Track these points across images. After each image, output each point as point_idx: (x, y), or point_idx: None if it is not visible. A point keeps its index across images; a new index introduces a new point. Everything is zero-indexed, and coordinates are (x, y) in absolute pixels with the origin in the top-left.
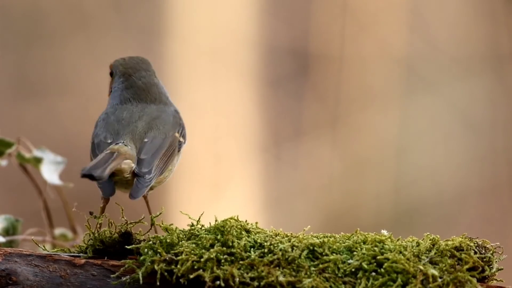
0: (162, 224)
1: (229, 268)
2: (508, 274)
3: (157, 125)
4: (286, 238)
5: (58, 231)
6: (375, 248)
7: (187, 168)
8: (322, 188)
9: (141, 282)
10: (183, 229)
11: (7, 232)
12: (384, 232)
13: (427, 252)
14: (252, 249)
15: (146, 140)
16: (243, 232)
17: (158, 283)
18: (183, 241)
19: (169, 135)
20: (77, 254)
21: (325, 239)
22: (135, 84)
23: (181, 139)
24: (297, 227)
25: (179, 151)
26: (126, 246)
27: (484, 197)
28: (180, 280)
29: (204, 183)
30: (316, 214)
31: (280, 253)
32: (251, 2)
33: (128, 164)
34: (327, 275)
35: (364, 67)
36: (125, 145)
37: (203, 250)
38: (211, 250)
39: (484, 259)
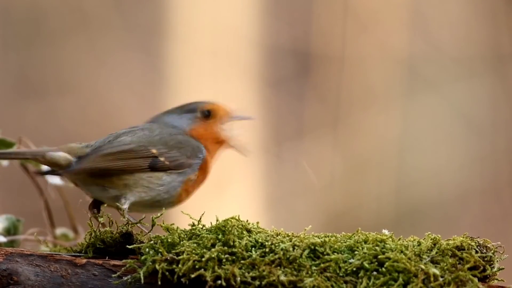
0: (164, 224)
1: (230, 267)
2: (510, 274)
3: (134, 133)
4: (287, 237)
5: (59, 231)
6: (376, 248)
7: None
8: (323, 188)
9: (142, 281)
10: (184, 229)
11: (8, 232)
12: (385, 231)
13: (428, 251)
14: (253, 248)
15: (108, 143)
16: (244, 232)
17: (159, 283)
18: (184, 241)
19: (136, 144)
20: (78, 254)
21: (326, 239)
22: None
23: (163, 160)
24: (298, 226)
25: (153, 170)
26: (127, 246)
27: (486, 197)
28: (182, 279)
29: (206, 182)
30: (317, 214)
31: (281, 253)
32: (252, 3)
33: (63, 157)
34: (328, 274)
35: (366, 68)
36: (80, 144)
37: (204, 250)
38: (213, 249)
39: (485, 259)
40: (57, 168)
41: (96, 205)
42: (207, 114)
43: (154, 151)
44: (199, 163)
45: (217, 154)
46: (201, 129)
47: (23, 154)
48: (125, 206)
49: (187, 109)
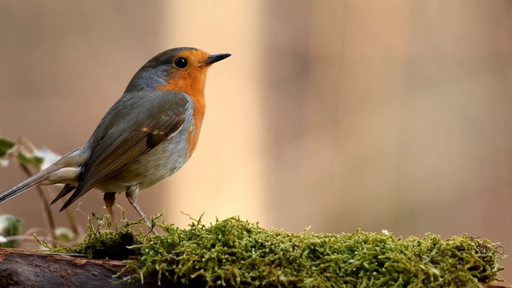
0: (163, 224)
1: (230, 267)
2: (509, 274)
3: (119, 120)
4: (287, 238)
5: (59, 231)
6: (376, 248)
7: (189, 169)
8: (323, 188)
9: (142, 282)
10: (184, 229)
11: (8, 232)
12: (385, 231)
13: (428, 251)
14: (253, 248)
15: (101, 141)
16: (244, 232)
17: (159, 283)
18: (184, 241)
19: (127, 132)
20: (78, 254)
21: (326, 239)
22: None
23: (156, 133)
24: (298, 227)
25: (153, 145)
26: (127, 246)
27: (485, 196)
28: (181, 280)
29: (205, 183)
30: (317, 214)
31: (281, 253)
32: (252, 3)
33: (66, 171)
34: (328, 274)
35: (365, 68)
36: (76, 150)
37: (204, 250)
38: (212, 250)
39: (485, 259)
40: (67, 182)
41: (109, 195)
42: (183, 62)
43: (144, 129)
44: (191, 112)
45: (203, 92)
46: (180, 80)
47: (27, 185)
48: (135, 195)
49: (162, 60)
